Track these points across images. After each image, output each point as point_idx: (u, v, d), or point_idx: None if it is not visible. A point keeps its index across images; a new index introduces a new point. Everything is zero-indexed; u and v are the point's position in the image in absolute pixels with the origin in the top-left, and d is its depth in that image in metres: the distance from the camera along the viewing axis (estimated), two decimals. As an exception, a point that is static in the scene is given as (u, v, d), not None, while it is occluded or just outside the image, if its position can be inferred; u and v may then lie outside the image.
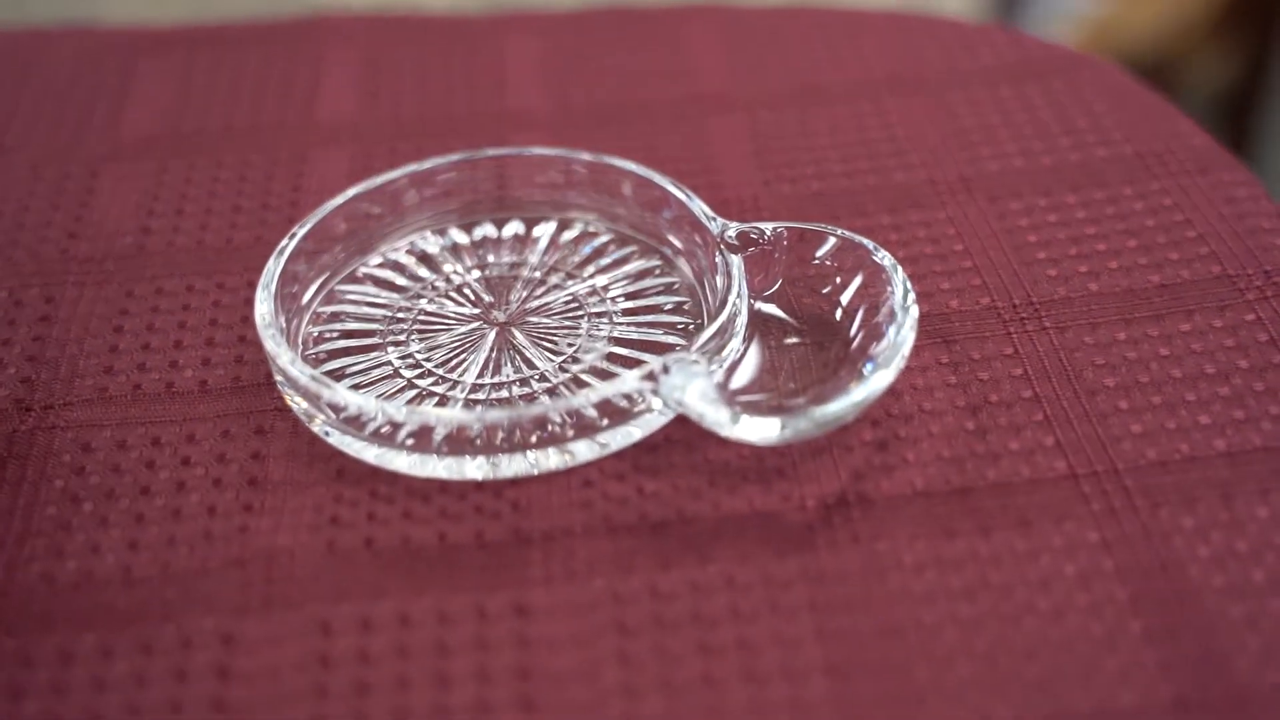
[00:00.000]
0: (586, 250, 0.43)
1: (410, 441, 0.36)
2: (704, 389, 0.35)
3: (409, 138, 0.49)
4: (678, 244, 0.41)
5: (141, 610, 0.33)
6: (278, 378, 0.38)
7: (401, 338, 0.40)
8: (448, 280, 0.42)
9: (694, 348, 0.36)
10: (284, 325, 0.38)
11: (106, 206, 0.46)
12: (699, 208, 0.40)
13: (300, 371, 0.36)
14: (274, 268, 0.39)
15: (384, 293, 0.41)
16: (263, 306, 0.38)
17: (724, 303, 0.37)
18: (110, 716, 0.31)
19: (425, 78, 0.53)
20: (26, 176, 0.48)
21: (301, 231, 0.40)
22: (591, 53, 0.54)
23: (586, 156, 0.43)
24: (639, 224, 0.42)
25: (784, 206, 0.44)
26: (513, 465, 0.36)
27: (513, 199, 0.44)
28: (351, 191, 0.42)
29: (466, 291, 0.41)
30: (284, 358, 0.36)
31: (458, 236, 0.43)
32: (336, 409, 0.36)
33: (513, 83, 0.52)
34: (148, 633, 0.32)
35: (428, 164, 0.43)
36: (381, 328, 0.40)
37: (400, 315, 0.41)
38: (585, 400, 0.35)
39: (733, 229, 0.39)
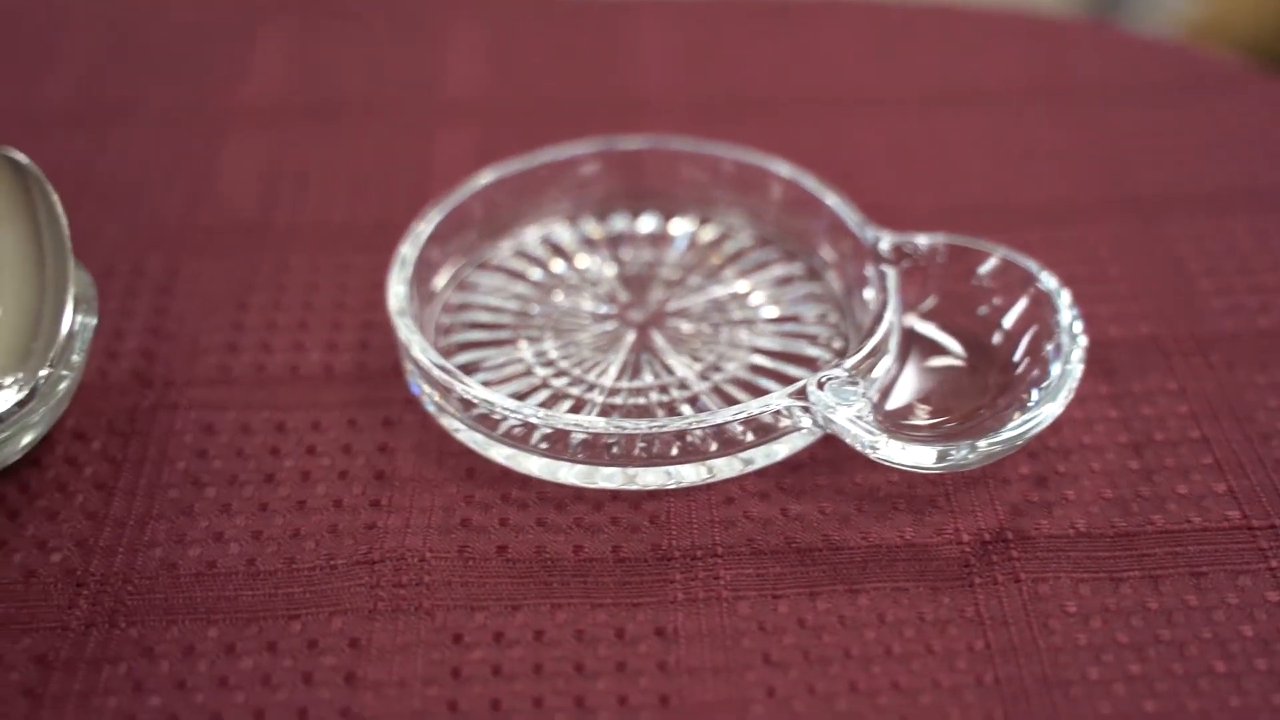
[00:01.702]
0: (728, 252, 0.41)
1: (544, 445, 0.34)
2: (859, 409, 0.33)
3: (537, 119, 0.48)
4: (825, 251, 0.40)
5: (266, 605, 0.31)
6: (408, 368, 0.36)
7: (534, 333, 0.38)
8: (581, 274, 0.40)
9: (848, 365, 0.34)
10: (415, 313, 0.37)
11: (228, 175, 0.45)
12: (852, 216, 0.39)
13: (433, 364, 0.35)
14: (409, 252, 0.38)
15: (515, 284, 0.40)
16: (396, 292, 0.36)
17: (879, 318, 0.35)
18: (233, 716, 0.29)
19: (554, 58, 0.51)
20: (146, 141, 0.46)
21: (438, 215, 0.39)
22: (726, 42, 0.52)
23: (736, 154, 0.41)
24: (784, 227, 0.41)
25: (927, 217, 0.42)
26: (650, 477, 0.34)
27: (651, 192, 0.42)
28: (489, 176, 0.40)
29: (601, 288, 0.40)
30: (417, 348, 0.35)
31: (591, 228, 0.42)
32: (468, 405, 0.34)
33: (644, 68, 0.50)
34: (273, 630, 0.31)
35: (570, 151, 0.41)
36: (514, 321, 0.39)
37: (533, 309, 0.39)
38: (733, 416, 0.33)
39: (886, 240, 0.38)
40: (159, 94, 0.49)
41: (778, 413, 0.34)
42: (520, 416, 0.33)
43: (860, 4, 0.55)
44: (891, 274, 0.37)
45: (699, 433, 0.33)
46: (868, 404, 0.34)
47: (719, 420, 0.33)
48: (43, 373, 0.33)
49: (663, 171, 0.42)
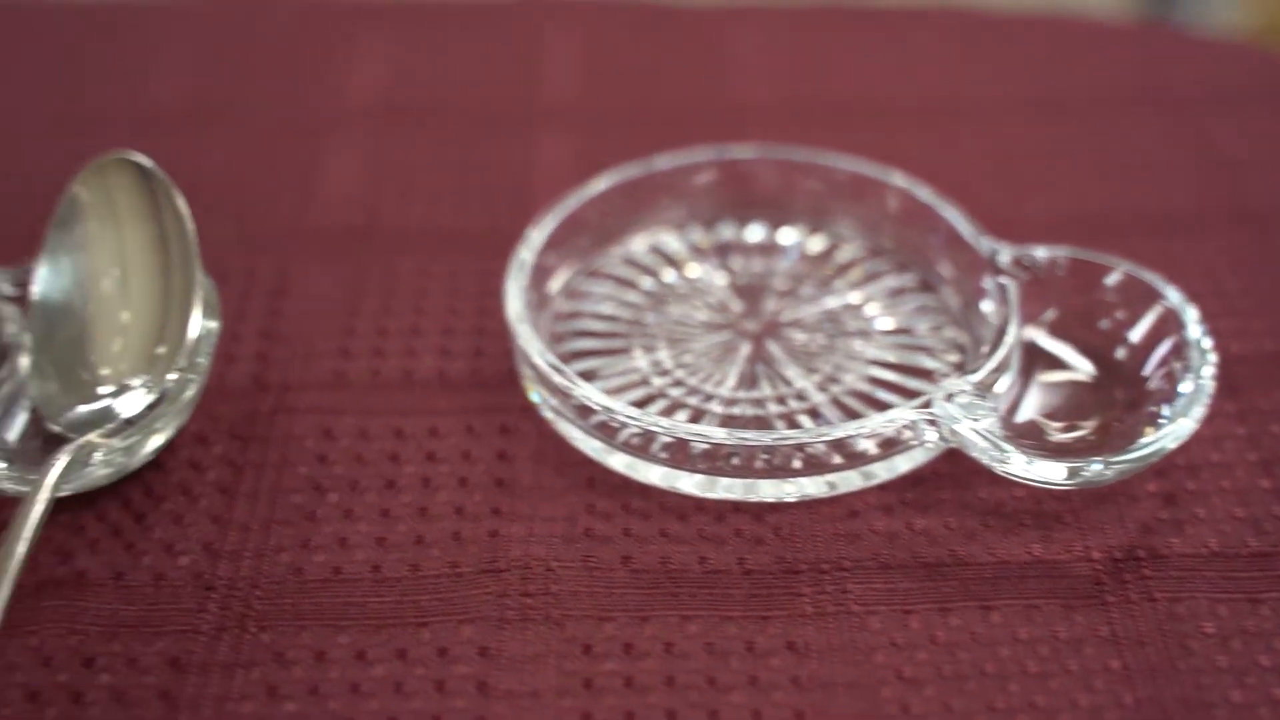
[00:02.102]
0: (839, 262, 0.41)
1: (664, 454, 0.34)
2: (987, 424, 0.33)
3: (636, 126, 0.47)
4: (940, 262, 0.39)
5: (395, 612, 0.31)
6: (525, 374, 0.36)
7: (648, 342, 0.38)
8: (691, 284, 0.40)
9: (976, 378, 0.34)
10: (530, 320, 0.37)
11: (332, 179, 0.45)
12: (968, 228, 0.38)
13: (555, 371, 0.34)
14: (526, 257, 0.38)
15: (626, 292, 0.40)
16: (514, 298, 0.36)
17: (1002, 332, 0.35)
18: (363, 724, 0.29)
19: (650, 65, 0.51)
20: (250, 145, 0.46)
21: (553, 220, 0.39)
22: (825, 49, 0.52)
23: (849, 165, 0.41)
24: (898, 238, 0.40)
25: (1037, 228, 0.42)
26: (771, 489, 0.34)
27: (759, 201, 0.42)
28: (604, 182, 0.40)
29: (713, 297, 0.40)
30: (539, 355, 0.35)
31: (699, 236, 0.42)
32: (587, 413, 0.34)
33: (742, 75, 0.50)
34: (403, 637, 0.31)
35: (684, 159, 0.41)
36: (626, 330, 0.39)
37: (647, 318, 0.39)
38: (858, 429, 0.33)
39: (1006, 252, 0.37)
40: (261, 98, 0.49)
41: (903, 426, 0.33)
42: (642, 425, 0.33)
43: (953, 12, 0.55)
44: (1013, 288, 0.36)
45: (822, 446, 0.33)
46: (996, 418, 0.33)
47: (845, 433, 0.33)
48: (171, 376, 0.34)
49: (772, 181, 0.42)
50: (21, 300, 0.36)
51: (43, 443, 0.34)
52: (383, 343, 0.39)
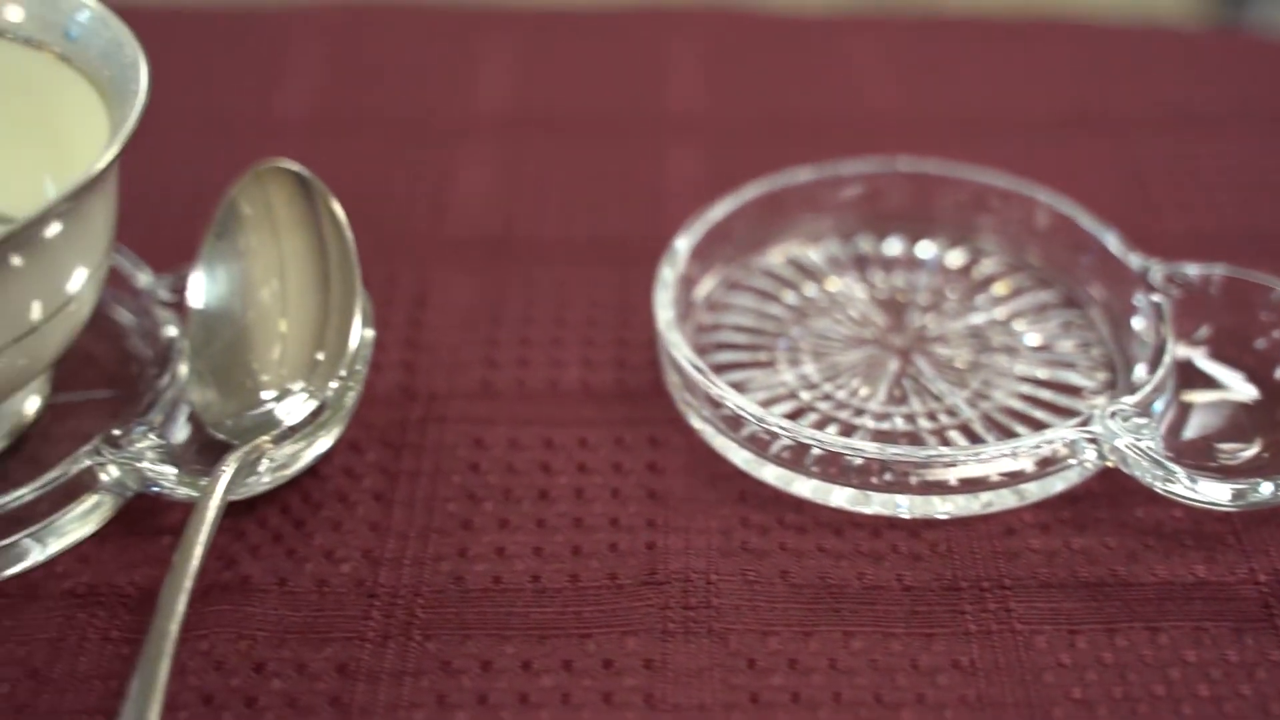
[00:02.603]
0: (981, 276, 0.40)
1: (816, 468, 0.34)
2: (1150, 443, 0.33)
3: (762, 137, 0.47)
4: (1086, 278, 0.39)
5: (557, 623, 0.32)
6: (672, 382, 0.36)
7: (793, 356, 0.38)
8: (832, 297, 0.40)
9: (1137, 397, 0.34)
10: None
11: (465, 188, 0.45)
12: (1117, 244, 0.38)
13: (710, 383, 0.34)
14: (669, 273, 0.38)
15: (768, 305, 0.40)
16: (664, 310, 0.37)
17: (1161, 350, 0.35)
18: (532, 734, 0.29)
19: (772, 75, 0.51)
20: (382, 151, 0.47)
21: (699, 231, 0.39)
22: (946, 60, 0.51)
23: (992, 179, 0.40)
24: (1043, 253, 0.40)
25: (1179, 244, 0.41)
26: (925, 505, 0.34)
27: (897, 214, 0.42)
28: (746, 195, 0.40)
29: (855, 311, 0.40)
30: (692, 366, 0.35)
31: (836, 249, 0.41)
32: (739, 424, 0.34)
33: (863, 86, 0.50)
34: (568, 649, 0.31)
35: (824, 172, 0.41)
36: (769, 343, 0.39)
37: (791, 332, 0.39)
38: (1018, 447, 0.33)
39: (1157, 270, 0.37)
40: (389, 107, 0.49)
41: (1062, 444, 0.33)
42: (797, 438, 0.33)
43: (1076, 25, 0.54)
44: (1167, 306, 0.36)
45: (979, 463, 0.33)
46: (1158, 437, 0.33)
47: (1003, 451, 0.33)
48: (333, 384, 0.34)
49: (910, 194, 0.42)
50: (178, 306, 0.37)
51: (198, 448, 0.35)
52: (526, 353, 0.39)
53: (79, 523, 0.33)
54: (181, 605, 0.29)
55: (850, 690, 0.30)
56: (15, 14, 0.34)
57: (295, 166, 0.36)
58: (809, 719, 0.30)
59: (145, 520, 0.34)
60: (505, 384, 0.38)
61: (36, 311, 0.31)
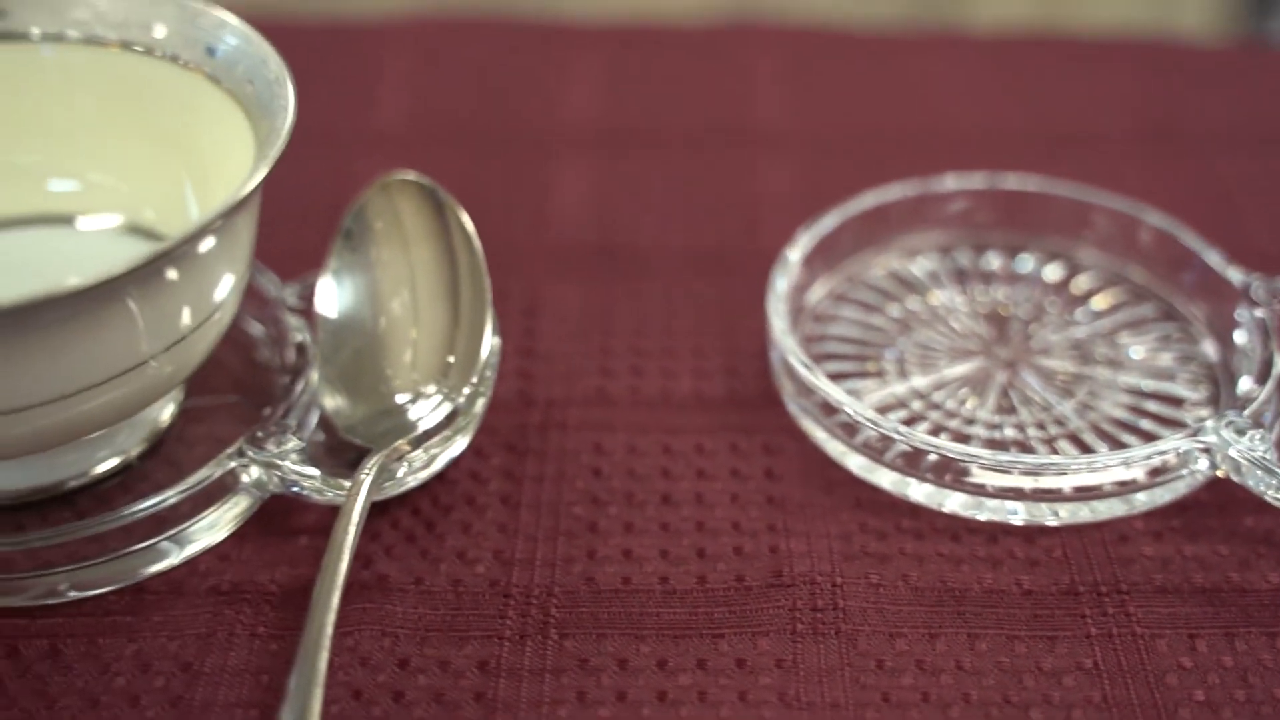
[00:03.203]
0: (1080, 290, 0.41)
1: (931, 475, 0.35)
2: (1262, 453, 0.33)
3: (848, 151, 0.48)
4: (1187, 292, 0.40)
5: (689, 623, 0.32)
6: (787, 388, 0.37)
7: (900, 366, 0.39)
8: (933, 310, 0.41)
9: (1249, 410, 0.34)
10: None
11: (564, 199, 0.46)
12: (1218, 258, 0.39)
13: (829, 390, 0.35)
14: (783, 283, 0.39)
15: (872, 316, 0.41)
16: (778, 319, 0.37)
17: (1269, 364, 0.36)
18: (673, 731, 0.30)
19: (854, 91, 0.52)
20: (480, 162, 0.48)
21: (808, 244, 0.40)
22: (1026, 77, 0.52)
23: (1103, 199, 0.41)
24: (1145, 269, 0.41)
25: (1271, 261, 0.42)
26: (1038, 512, 0.35)
27: (997, 227, 0.43)
28: (854, 209, 0.41)
29: (958, 323, 0.41)
30: (808, 372, 0.36)
31: (935, 262, 0.42)
32: (853, 430, 0.35)
33: (944, 102, 0.51)
34: (702, 648, 0.32)
35: (933, 187, 0.42)
36: (875, 354, 0.40)
37: (899, 343, 0.40)
38: (1131, 457, 0.34)
39: (1259, 285, 0.38)
40: (480, 120, 0.50)
41: (1176, 454, 0.34)
42: (913, 443, 0.34)
43: (1143, 43, 0.55)
44: (1269, 319, 0.37)
45: (1093, 472, 0.34)
46: (1270, 446, 0.34)
47: (1117, 461, 0.34)
48: (466, 390, 0.35)
49: (1010, 209, 0.42)
50: (305, 313, 0.38)
51: (326, 451, 0.36)
52: (638, 361, 0.40)
53: (220, 523, 0.34)
54: (335, 603, 0.30)
55: (979, 690, 0.31)
56: (160, 31, 0.35)
57: (421, 178, 0.37)
58: (940, 718, 0.30)
59: (279, 521, 0.35)
60: (620, 391, 0.39)
61: (187, 320, 0.32)
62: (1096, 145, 0.49)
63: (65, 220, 0.37)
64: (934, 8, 1.06)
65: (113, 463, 0.35)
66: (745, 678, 0.31)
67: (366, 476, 0.33)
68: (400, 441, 0.34)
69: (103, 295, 0.29)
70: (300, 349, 0.37)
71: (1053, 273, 0.42)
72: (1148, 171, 0.47)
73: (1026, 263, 0.42)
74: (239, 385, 0.38)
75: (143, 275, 0.29)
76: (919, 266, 0.42)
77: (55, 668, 0.31)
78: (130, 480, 0.35)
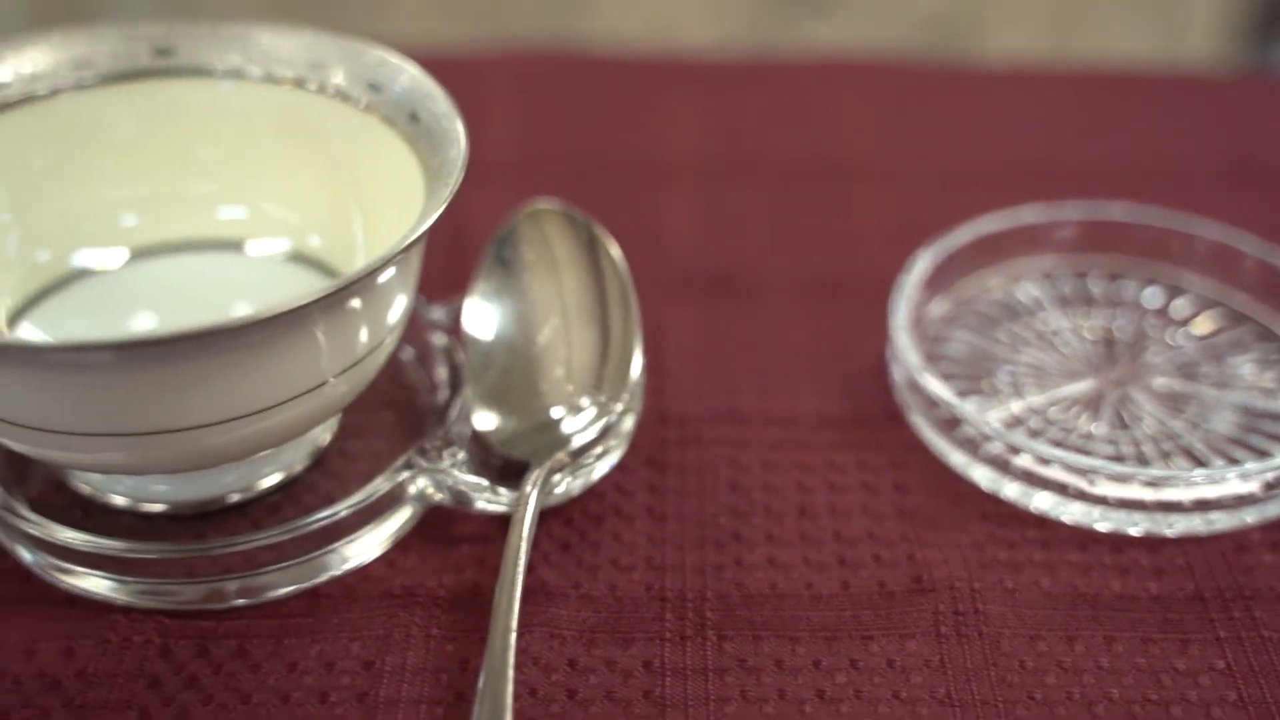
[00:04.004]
0: (1181, 314, 0.43)
1: (1054, 487, 0.37)
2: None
3: (939, 185, 0.51)
4: (1283, 316, 0.42)
5: (838, 626, 0.34)
6: (910, 404, 0.39)
7: (1016, 384, 0.41)
8: (1040, 333, 0.43)
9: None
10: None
11: (671, 226, 0.48)
12: (1315, 285, 0.41)
13: (958, 406, 0.37)
14: (904, 305, 0.41)
15: (981, 337, 0.43)
16: (902, 335, 0.40)
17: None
18: (831, 727, 0.32)
19: (936, 124, 0.54)
20: (584, 192, 0.50)
21: (925, 266, 0.42)
22: (1095, 112, 0.55)
23: (1199, 229, 0.44)
24: (1245, 293, 0.43)
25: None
26: (1156, 524, 0.36)
27: (1097, 253, 0.45)
28: (964, 235, 0.43)
29: (1065, 345, 0.43)
30: (935, 389, 0.38)
31: (1035, 287, 0.44)
32: (978, 446, 0.37)
33: (1030, 135, 0.53)
34: (853, 649, 0.34)
35: (1045, 216, 0.44)
36: (990, 371, 0.42)
37: (1016, 361, 0.42)
38: (1249, 472, 0.36)
39: (1357, 309, 0.40)
40: (585, 152, 0.52)
41: (1291, 468, 0.36)
42: (1041, 455, 0.36)
43: (1212, 79, 0.58)
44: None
45: (1215, 486, 0.36)
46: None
47: (1236, 473, 0.36)
48: (619, 406, 0.37)
49: (1110, 236, 0.45)
50: (454, 333, 0.40)
51: (478, 464, 0.38)
52: (761, 381, 0.42)
53: (387, 532, 0.36)
54: (516, 606, 0.32)
55: (1120, 689, 0.33)
56: (331, 71, 0.37)
57: (566, 207, 0.39)
58: (1087, 715, 0.32)
59: (439, 531, 0.37)
60: (748, 410, 0.41)
61: (363, 344, 0.34)
62: (1175, 179, 0.51)
63: (234, 246, 0.39)
64: (946, 39, 1.09)
65: (278, 477, 0.37)
66: (897, 677, 0.33)
67: (534, 488, 0.35)
68: (560, 454, 0.36)
69: (294, 320, 0.31)
70: (453, 367, 0.39)
71: (1152, 298, 0.44)
72: (1231, 201, 0.49)
73: (1127, 288, 0.44)
74: (391, 403, 0.40)
75: (330, 303, 0.31)
76: (1023, 291, 0.44)
77: (245, 666, 0.33)
78: (296, 493, 0.37)
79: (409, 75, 0.36)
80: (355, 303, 0.32)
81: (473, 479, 0.35)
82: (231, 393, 0.32)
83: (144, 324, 0.38)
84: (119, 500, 0.37)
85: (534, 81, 0.56)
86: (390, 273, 0.33)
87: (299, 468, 0.37)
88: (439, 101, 0.36)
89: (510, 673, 0.31)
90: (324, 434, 0.38)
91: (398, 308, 0.34)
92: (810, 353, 0.43)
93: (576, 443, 0.37)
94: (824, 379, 0.42)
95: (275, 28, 0.37)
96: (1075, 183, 0.50)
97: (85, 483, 0.37)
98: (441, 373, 0.39)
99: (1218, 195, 0.49)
